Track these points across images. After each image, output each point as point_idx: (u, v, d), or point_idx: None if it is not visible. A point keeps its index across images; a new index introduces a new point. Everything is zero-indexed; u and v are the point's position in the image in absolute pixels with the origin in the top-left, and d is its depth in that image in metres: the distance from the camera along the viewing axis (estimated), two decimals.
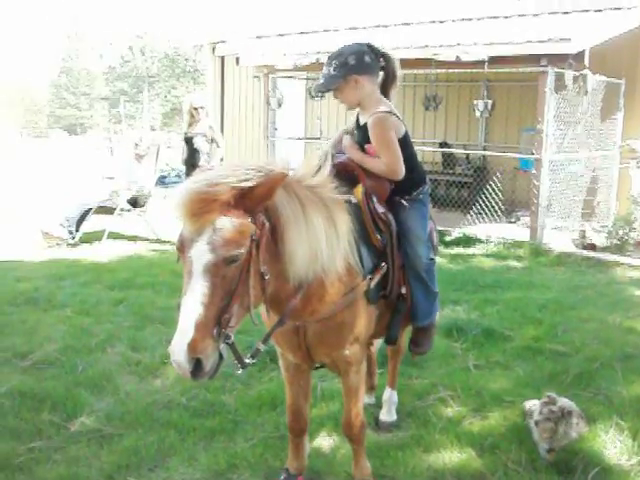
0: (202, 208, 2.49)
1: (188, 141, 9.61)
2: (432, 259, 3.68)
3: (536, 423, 3.89)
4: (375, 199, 3.42)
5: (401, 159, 3.40)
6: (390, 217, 3.45)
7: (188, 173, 9.65)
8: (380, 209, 3.42)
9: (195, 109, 9.67)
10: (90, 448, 4.07)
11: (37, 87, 73.16)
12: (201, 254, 2.52)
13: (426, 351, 3.96)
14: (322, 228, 2.89)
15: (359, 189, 3.41)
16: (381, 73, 3.53)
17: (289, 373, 3.53)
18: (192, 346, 2.47)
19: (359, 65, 3.36)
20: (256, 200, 2.61)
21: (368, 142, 3.47)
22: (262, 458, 3.93)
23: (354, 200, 3.34)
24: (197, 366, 2.51)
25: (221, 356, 2.59)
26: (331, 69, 3.39)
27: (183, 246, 2.59)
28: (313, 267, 2.88)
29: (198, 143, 9.49)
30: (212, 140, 9.62)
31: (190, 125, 9.73)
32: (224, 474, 3.79)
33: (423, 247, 3.56)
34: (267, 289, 2.75)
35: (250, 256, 2.61)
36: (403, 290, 3.53)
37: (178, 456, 3.97)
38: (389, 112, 3.41)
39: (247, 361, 2.79)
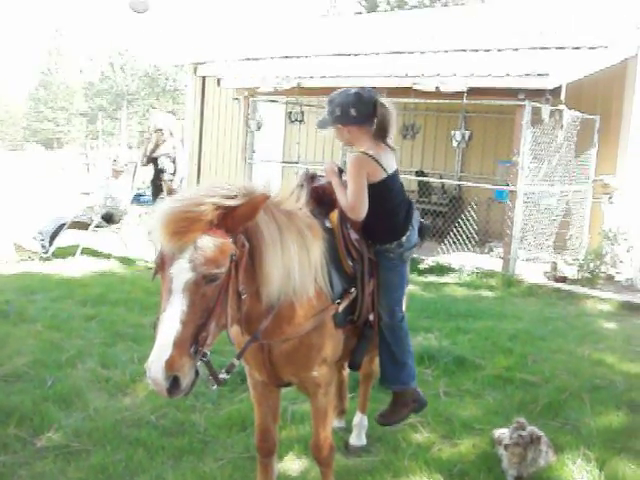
0: (185, 227, 2.52)
1: (154, 161, 9.66)
2: (398, 322, 3.68)
3: (505, 447, 3.93)
4: (349, 225, 3.46)
5: (362, 199, 3.40)
6: (363, 245, 3.49)
7: (154, 193, 9.72)
8: (354, 235, 3.47)
9: (158, 131, 9.71)
10: (57, 464, 4.03)
11: (14, 99, 72.66)
12: (182, 272, 2.54)
13: (388, 423, 4.03)
14: (296, 252, 2.94)
15: (335, 214, 3.46)
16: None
17: (257, 392, 3.54)
18: (170, 363, 2.48)
19: (343, 117, 3.45)
20: (238, 220, 2.64)
21: None
22: (231, 479, 3.91)
23: (329, 225, 3.39)
24: (174, 383, 2.52)
25: (197, 373, 2.61)
26: (326, 112, 3.52)
27: (163, 263, 2.60)
28: (285, 290, 2.93)
29: (163, 163, 9.54)
30: (174, 160, 9.66)
31: (157, 146, 9.75)
32: None
33: (384, 309, 3.63)
34: (243, 308, 2.77)
35: (229, 276, 2.64)
36: (371, 317, 3.57)
37: (146, 475, 3.94)
38: (367, 154, 3.44)
39: (222, 376, 2.80)
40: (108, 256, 10.46)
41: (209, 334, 2.60)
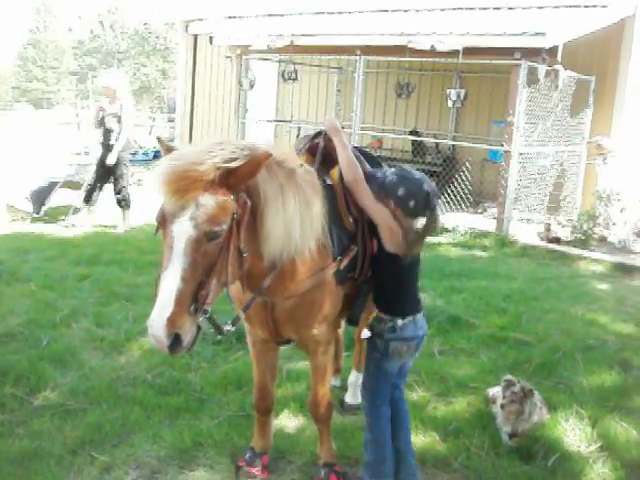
0: (186, 186, 2.49)
1: (102, 121, 9.50)
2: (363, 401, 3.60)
3: (502, 407, 3.96)
4: None
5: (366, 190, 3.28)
6: None
7: (103, 154, 9.52)
8: None
9: (106, 89, 9.55)
10: (53, 423, 4.04)
11: (2, 59, 71.64)
12: (183, 230, 2.52)
13: None
14: (298, 210, 2.90)
15: (335, 171, 3.42)
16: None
17: (256, 349, 3.54)
18: (171, 321, 2.47)
19: (400, 200, 3.23)
20: (240, 178, 2.62)
21: None
22: (227, 437, 3.93)
23: (329, 181, 3.35)
24: (175, 340, 2.52)
25: (199, 329, 2.61)
26: (391, 180, 3.31)
27: (165, 220, 2.58)
28: (287, 248, 2.90)
29: (109, 123, 9.40)
30: (120, 120, 9.48)
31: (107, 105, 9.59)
32: (189, 452, 3.79)
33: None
34: (244, 266, 2.76)
35: (230, 234, 2.62)
36: (369, 273, 3.54)
37: (142, 433, 3.96)
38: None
39: (227, 328, 2.82)
40: (100, 216, 10.41)
41: (210, 291, 2.59)
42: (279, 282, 3.03)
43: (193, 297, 2.53)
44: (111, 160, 9.45)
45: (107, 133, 9.44)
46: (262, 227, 2.79)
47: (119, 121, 9.41)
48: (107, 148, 9.46)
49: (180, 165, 2.53)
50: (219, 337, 2.84)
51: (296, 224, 2.89)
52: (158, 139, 2.90)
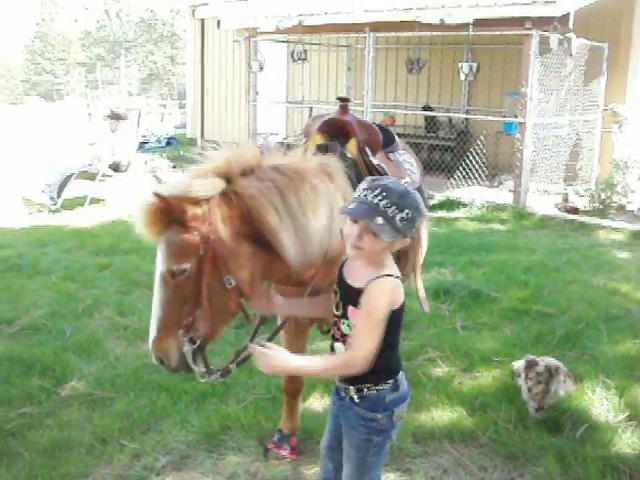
0: (149, 219, 2.54)
1: None
2: None
3: (529, 390, 3.94)
4: (369, 151, 3.39)
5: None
6: (384, 166, 3.42)
7: None
8: (375, 161, 3.41)
9: None
10: (82, 412, 4.07)
11: (11, 53, 71.68)
12: (157, 262, 2.61)
13: None
14: (306, 204, 2.72)
15: (352, 143, 3.40)
16: None
17: (289, 335, 3.51)
18: (155, 345, 2.61)
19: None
20: (187, 211, 2.54)
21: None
22: (254, 420, 3.94)
23: (349, 155, 3.33)
24: (162, 363, 2.65)
25: (199, 352, 2.65)
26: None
27: None
28: (322, 242, 2.75)
29: None
30: None
31: None
32: (217, 436, 3.80)
33: None
34: (242, 296, 2.69)
35: (200, 269, 2.55)
36: None
37: (170, 419, 3.98)
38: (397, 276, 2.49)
39: (215, 376, 2.74)
40: (117, 205, 10.43)
41: (197, 320, 2.59)
42: (329, 270, 2.76)
43: (176, 325, 2.58)
44: None
45: None
46: (273, 238, 2.64)
47: None
48: None
49: (146, 200, 2.55)
50: (204, 380, 2.74)
51: (310, 217, 2.71)
52: (155, 177, 2.78)
